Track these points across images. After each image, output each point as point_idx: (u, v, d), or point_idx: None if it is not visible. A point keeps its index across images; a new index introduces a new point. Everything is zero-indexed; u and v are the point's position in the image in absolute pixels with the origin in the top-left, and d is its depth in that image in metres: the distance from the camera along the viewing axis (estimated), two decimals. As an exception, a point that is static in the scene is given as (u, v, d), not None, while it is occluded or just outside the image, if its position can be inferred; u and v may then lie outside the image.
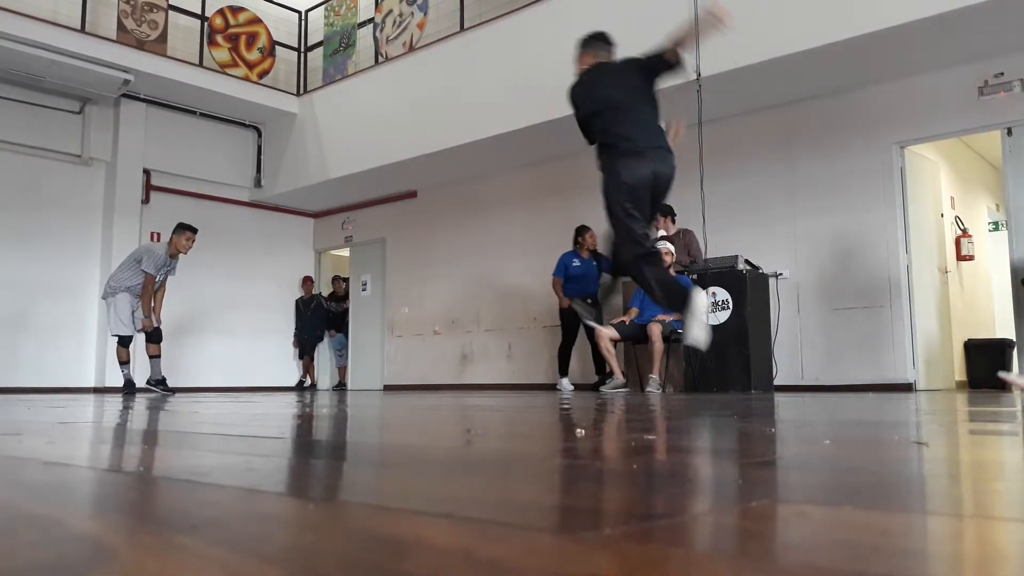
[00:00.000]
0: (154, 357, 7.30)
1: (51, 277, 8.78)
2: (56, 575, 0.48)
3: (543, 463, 1.20)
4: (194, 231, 7.22)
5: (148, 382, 7.32)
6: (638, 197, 3.85)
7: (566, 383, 7.43)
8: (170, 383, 7.49)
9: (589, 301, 7.33)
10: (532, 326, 8.44)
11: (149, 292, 7.08)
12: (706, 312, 3.73)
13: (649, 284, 3.88)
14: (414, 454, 1.37)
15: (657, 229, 6.89)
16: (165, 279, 7.33)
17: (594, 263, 7.41)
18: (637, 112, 3.98)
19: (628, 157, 3.87)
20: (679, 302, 3.72)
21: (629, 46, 6.84)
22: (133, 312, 7.17)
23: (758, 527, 0.63)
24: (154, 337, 7.24)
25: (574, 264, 7.50)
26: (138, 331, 7.26)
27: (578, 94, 4.19)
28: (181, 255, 7.32)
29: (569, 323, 7.45)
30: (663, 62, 4.06)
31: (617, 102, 4.00)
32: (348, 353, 11.05)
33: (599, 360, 7.22)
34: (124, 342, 7.19)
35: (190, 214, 8.76)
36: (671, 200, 7.15)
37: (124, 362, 7.22)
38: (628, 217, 3.83)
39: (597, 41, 4.47)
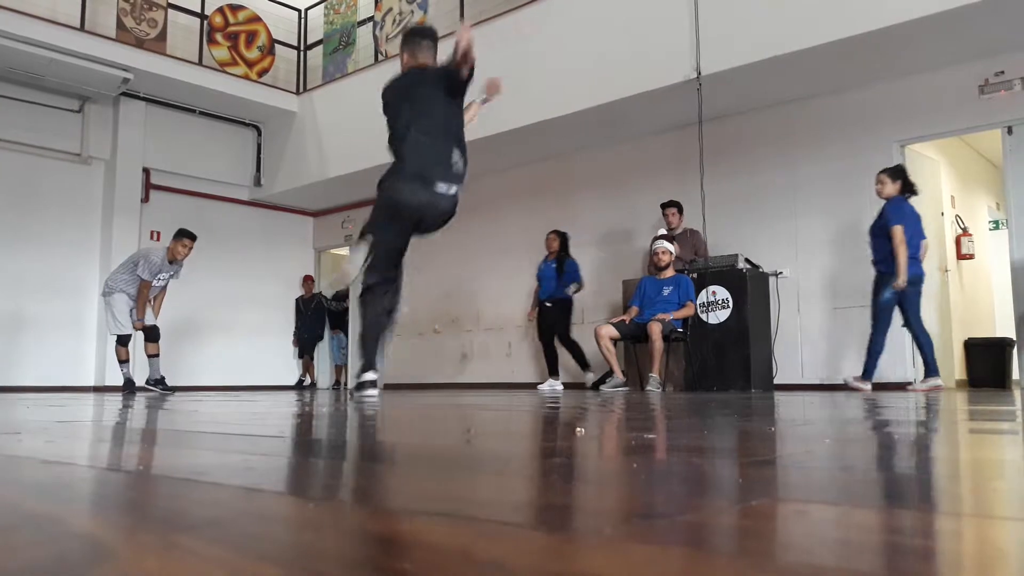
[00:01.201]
0: (153, 356, 7.31)
1: (50, 276, 8.78)
2: (55, 574, 0.48)
3: (542, 462, 1.20)
4: (192, 238, 7.19)
5: (147, 382, 7.32)
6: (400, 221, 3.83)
7: (549, 384, 7.64)
8: (169, 382, 7.49)
9: (549, 304, 7.62)
10: (532, 325, 8.45)
11: (144, 297, 7.09)
12: (373, 389, 3.81)
13: (362, 320, 3.95)
14: (413, 453, 1.37)
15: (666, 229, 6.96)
16: (167, 283, 7.32)
17: (553, 265, 7.65)
18: (438, 132, 3.82)
19: (411, 180, 3.77)
20: (364, 360, 3.87)
21: (628, 48, 6.86)
22: (131, 311, 7.18)
23: (758, 526, 0.63)
24: (152, 336, 7.25)
25: (541, 267, 7.77)
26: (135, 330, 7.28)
27: (389, 95, 3.96)
28: (185, 259, 7.32)
29: (541, 324, 7.76)
30: (457, 79, 3.75)
31: (421, 115, 3.82)
32: (348, 352, 11.05)
33: (580, 357, 7.50)
34: (123, 341, 7.20)
35: (190, 213, 8.76)
36: (671, 196, 7.20)
37: (123, 361, 7.23)
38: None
39: (417, 38, 4.09)
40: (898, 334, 6.33)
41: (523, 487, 0.90)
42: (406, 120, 3.85)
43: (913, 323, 5.63)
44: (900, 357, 6.30)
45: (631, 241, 7.94)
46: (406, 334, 10.09)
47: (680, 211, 7.06)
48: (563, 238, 7.73)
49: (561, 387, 7.53)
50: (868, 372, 5.75)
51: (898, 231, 5.49)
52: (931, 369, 5.59)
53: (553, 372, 7.70)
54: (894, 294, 5.56)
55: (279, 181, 10.18)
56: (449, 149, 3.83)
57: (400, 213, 3.82)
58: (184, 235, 7.18)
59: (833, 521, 0.65)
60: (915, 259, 5.63)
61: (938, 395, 4.19)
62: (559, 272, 7.60)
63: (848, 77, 6.44)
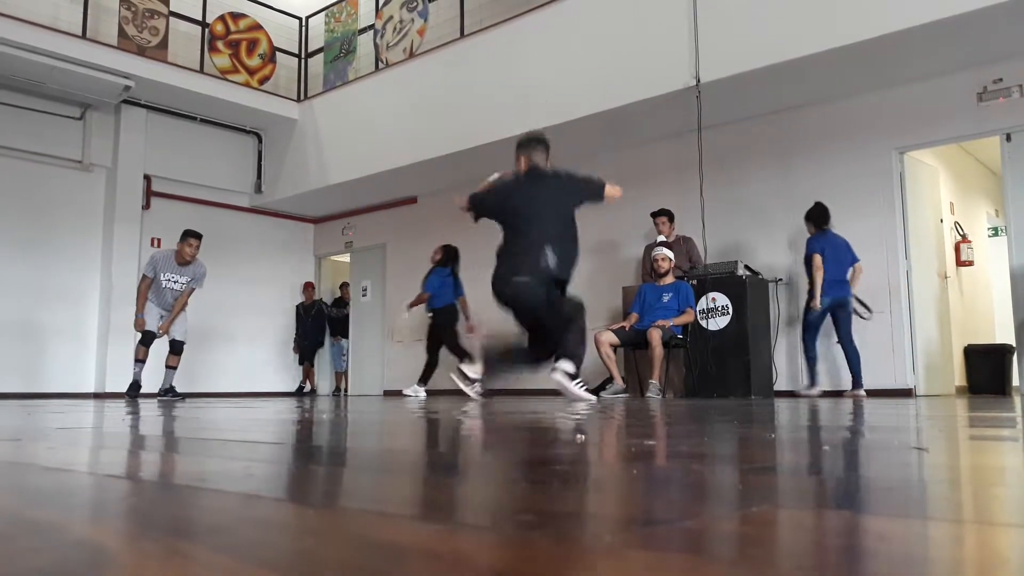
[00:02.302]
0: (171, 368, 7.34)
1: (52, 283, 8.78)
2: (56, 581, 0.48)
3: (543, 469, 1.20)
4: (197, 236, 7.19)
5: (160, 391, 7.37)
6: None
7: (413, 389, 7.92)
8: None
9: (431, 314, 7.91)
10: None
11: (142, 292, 7.13)
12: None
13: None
14: (413, 460, 1.37)
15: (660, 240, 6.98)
16: (185, 288, 7.27)
17: (447, 275, 8.03)
18: (526, 244, 4.27)
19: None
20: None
21: (628, 56, 6.87)
22: (161, 316, 7.21)
23: (758, 533, 0.63)
24: (176, 349, 7.30)
25: (433, 278, 8.07)
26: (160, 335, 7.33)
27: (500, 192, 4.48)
28: (202, 265, 7.30)
29: (432, 334, 8.00)
30: (596, 196, 4.28)
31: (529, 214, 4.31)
32: (348, 359, 11.05)
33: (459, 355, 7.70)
34: (146, 340, 7.16)
35: (191, 220, 8.76)
36: (670, 203, 7.20)
37: (139, 360, 7.18)
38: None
39: (533, 143, 4.60)
40: (899, 343, 6.34)
41: (524, 493, 0.90)
42: (504, 228, 4.45)
43: (844, 340, 6.15)
44: (901, 365, 6.31)
45: (630, 248, 7.94)
46: (406, 340, 10.09)
47: (671, 219, 7.06)
48: (450, 251, 8.03)
49: (424, 394, 7.80)
50: (812, 378, 6.27)
51: (816, 259, 6.10)
52: (857, 382, 6.08)
53: (422, 380, 7.93)
54: (820, 312, 6.12)
55: (280, 188, 10.19)
56: (538, 251, 4.24)
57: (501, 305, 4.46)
58: (189, 235, 7.18)
59: (834, 528, 0.65)
60: (843, 282, 6.13)
61: (863, 402, 4.55)
62: (455, 282, 7.93)
63: (847, 84, 6.46)
